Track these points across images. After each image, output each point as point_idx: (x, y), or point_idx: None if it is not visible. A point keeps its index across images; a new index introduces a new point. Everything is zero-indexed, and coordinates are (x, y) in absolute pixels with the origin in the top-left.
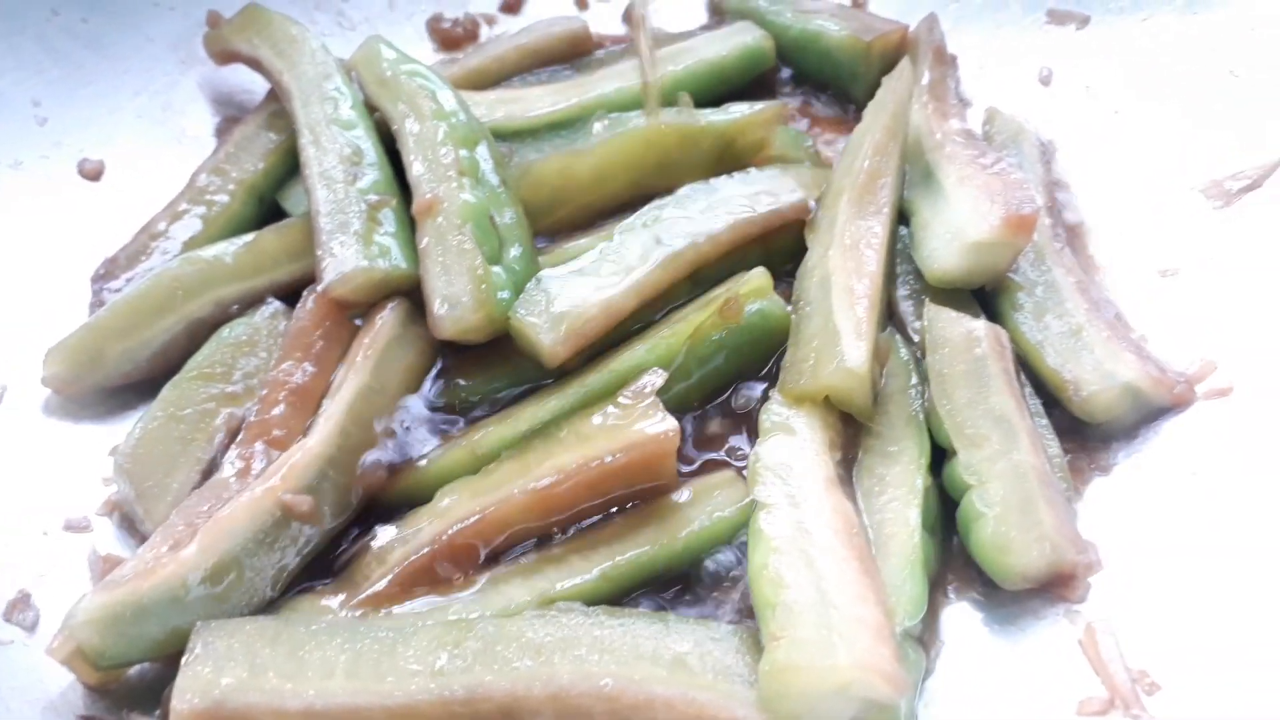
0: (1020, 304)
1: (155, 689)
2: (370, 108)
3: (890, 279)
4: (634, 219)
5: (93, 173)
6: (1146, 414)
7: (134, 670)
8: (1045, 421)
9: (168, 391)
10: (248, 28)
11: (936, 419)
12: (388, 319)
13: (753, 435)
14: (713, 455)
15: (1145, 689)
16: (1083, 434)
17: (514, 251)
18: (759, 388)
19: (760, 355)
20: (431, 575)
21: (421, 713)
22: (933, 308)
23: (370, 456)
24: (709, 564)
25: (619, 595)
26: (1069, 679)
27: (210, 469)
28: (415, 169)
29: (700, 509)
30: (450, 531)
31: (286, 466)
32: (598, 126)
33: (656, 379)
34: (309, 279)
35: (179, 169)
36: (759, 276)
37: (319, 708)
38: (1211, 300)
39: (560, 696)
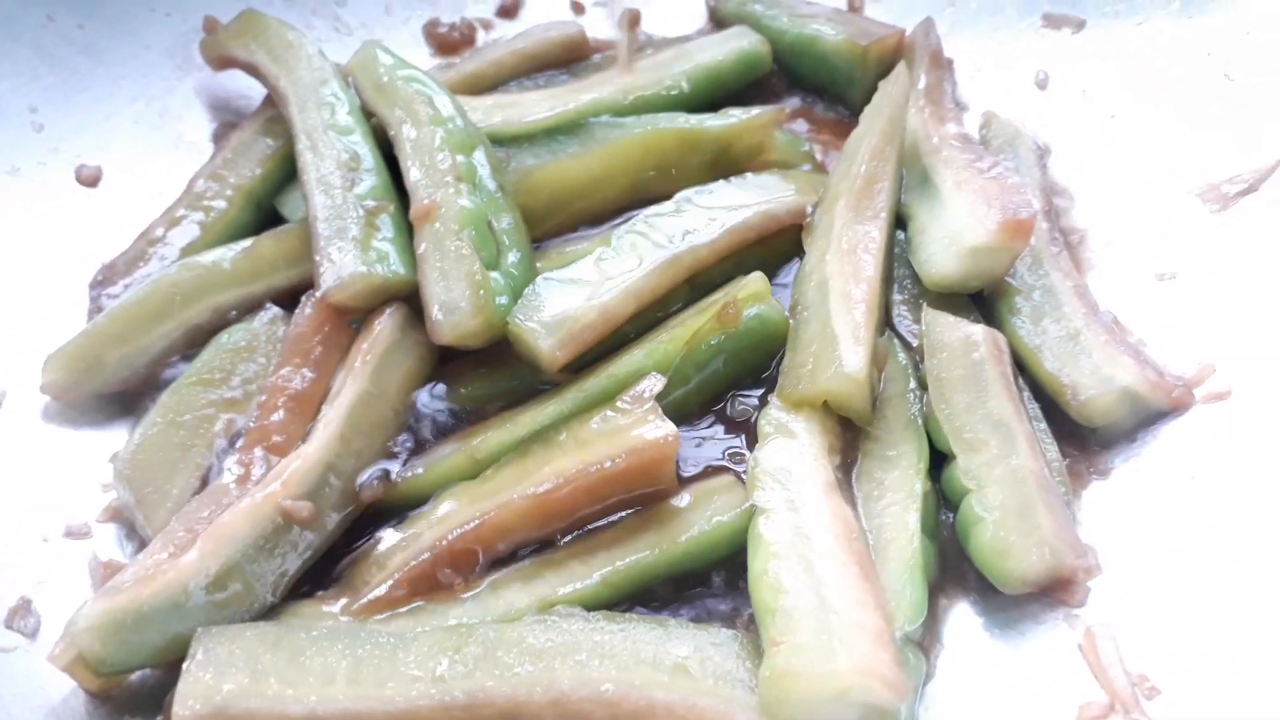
0: (1018, 308)
1: (157, 695)
2: (367, 113)
3: (888, 283)
4: (632, 224)
5: (90, 179)
6: (1145, 418)
7: (135, 677)
8: (1044, 426)
9: (167, 397)
10: (244, 33)
11: (935, 423)
12: (386, 325)
13: (751, 440)
14: (712, 460)
15: (1145, 693)
16: (1081, 438)
17: (512, 257)
18: (757, 393)
19: (758, 360)
20: (432, 580)
21: (423, 718)
22: (930, 312)
23: (370, 469)
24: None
25: (619, 600)
26: (1069, 683)
27: (210, 475)
28: (413, 174)
29: (700, 514)
30: (450, 537)
31: (287, 472)
32: (595, 131)
33: (655, 384)
34: (307, 285)
35: (176, 175)
36: (757, 281)
37: (321, 713)
38: (1209, 304)
39: (561, 702)
